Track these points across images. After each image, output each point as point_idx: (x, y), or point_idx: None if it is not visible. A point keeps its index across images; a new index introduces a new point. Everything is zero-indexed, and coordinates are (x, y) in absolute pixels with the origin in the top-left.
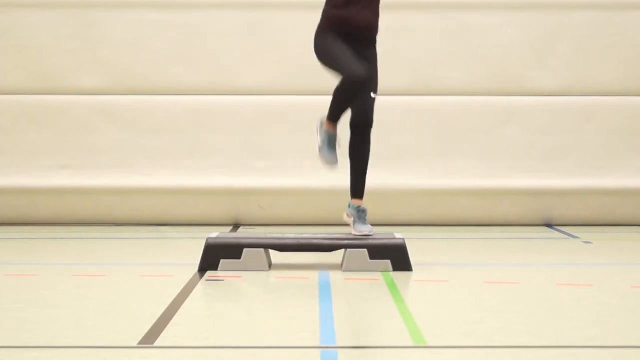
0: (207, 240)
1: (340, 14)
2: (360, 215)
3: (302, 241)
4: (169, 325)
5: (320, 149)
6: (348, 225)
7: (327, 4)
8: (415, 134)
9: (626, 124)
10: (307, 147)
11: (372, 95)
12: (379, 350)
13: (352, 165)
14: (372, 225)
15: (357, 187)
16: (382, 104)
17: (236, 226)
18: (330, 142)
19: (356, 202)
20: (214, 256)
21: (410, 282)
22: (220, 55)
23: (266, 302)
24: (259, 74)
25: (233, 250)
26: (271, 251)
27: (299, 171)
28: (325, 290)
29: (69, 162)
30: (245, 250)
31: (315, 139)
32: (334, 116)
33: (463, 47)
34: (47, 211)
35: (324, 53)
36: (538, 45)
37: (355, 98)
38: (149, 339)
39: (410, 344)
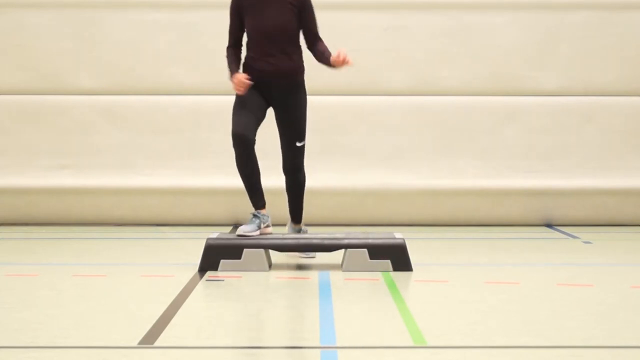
0: (207, 240)
1: (255, 65)
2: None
3: (302, 241)
4: (169, 325)
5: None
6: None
7: (247, 51)
8: (415, 134)
9: (626, 124)
10: (306, 147)
11: (297, 144)
12: (379, 350)
13: (289, 197)
14: (373, 225)
15: (296, 213)
16: (382, 104)
17: (236, 226)
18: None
19: (296, 226)
20: (214, 256)
21: (410, 282)
22: (220, 55)
23: (266, 302)
24: None
25: (233, 251)
26: (271, 251)
27: None
28: (325, 290)
29: (69, 162)
30: (245, 250)
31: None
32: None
33: (463, 47)
34: (47, 211)
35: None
36: (538, 45)
37: (246, 158)
38: (149, 339)
39: (410, 344)
